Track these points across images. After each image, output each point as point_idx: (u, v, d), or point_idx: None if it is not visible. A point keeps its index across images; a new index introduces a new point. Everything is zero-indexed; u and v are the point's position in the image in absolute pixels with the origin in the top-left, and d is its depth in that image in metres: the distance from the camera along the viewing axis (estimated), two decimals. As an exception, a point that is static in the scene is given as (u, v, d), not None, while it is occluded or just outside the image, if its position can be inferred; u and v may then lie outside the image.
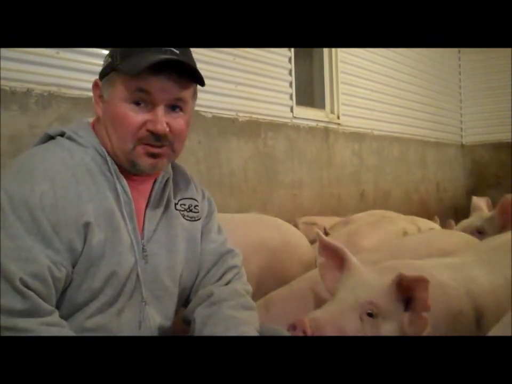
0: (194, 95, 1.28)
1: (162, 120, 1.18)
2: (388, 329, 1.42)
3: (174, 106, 1.21)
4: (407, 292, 1.43)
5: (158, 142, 1.20)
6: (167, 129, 1.19)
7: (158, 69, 1.16)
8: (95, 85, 1.25)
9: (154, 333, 1.24)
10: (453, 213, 5.50)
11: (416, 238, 2.60)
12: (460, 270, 1.68)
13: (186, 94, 1.22)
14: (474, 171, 6.38)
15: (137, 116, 1.18)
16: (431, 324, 1.44)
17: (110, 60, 1.21)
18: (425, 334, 1.43)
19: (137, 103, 1.18)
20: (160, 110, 1.18)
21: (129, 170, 1.23)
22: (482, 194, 6.12)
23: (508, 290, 1.61)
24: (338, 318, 1.40)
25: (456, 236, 2.54)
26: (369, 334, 1.40)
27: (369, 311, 1.43)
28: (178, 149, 1.25)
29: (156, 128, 1.18)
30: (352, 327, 1.40)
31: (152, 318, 1.23)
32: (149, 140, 1.19)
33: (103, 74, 1.22)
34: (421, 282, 1.40)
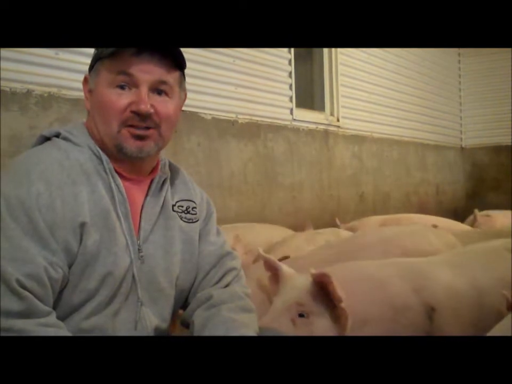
0: (182, 85, 1.27)
1: (145, 100, 1.18)
2: (321, 325, 1.48)
3: (160, 91, 1.21)
4: (324, 288, 1.48)
5: (143, 122, 1.19)
6: (151, 110, 1.19)
7: (140, 51, 1.17)
8: (85, 80, 1.26)
9: (151, 334, 1.23)
10: (452, 215, 5.50)
11: (374, 236, 2.50)
12: (414, 268, 1.75)
13: (170, 78, 1.22)
14: (474, 174, 6.39)
15: (121, 99, 1.18)
16: (372, 318, 1.53)
17: (95, 52, 1.23)
18: (362, 327, 1.51)
19: (121, 87, 1.18)
20: (144, 91, 1.18)
21: (117, 157, 1.22)
22: (482, 197, 6.16)
23: (474, 290, 1.70)
24: (271, 327, 1.43)
25: (418, 235, 2.44)
26: (305, 334, 1.46)
27: (300, 312, 1.49)
28: (167, 134, 1.24)
29: (139, 108, 1.17)
30: (285, 331, 1.43)
31: (149, 319, 1.23)
32: (133, 120, 1.19)
33: (91, 67, 1.24)
34: (324, 277, 1.47)
